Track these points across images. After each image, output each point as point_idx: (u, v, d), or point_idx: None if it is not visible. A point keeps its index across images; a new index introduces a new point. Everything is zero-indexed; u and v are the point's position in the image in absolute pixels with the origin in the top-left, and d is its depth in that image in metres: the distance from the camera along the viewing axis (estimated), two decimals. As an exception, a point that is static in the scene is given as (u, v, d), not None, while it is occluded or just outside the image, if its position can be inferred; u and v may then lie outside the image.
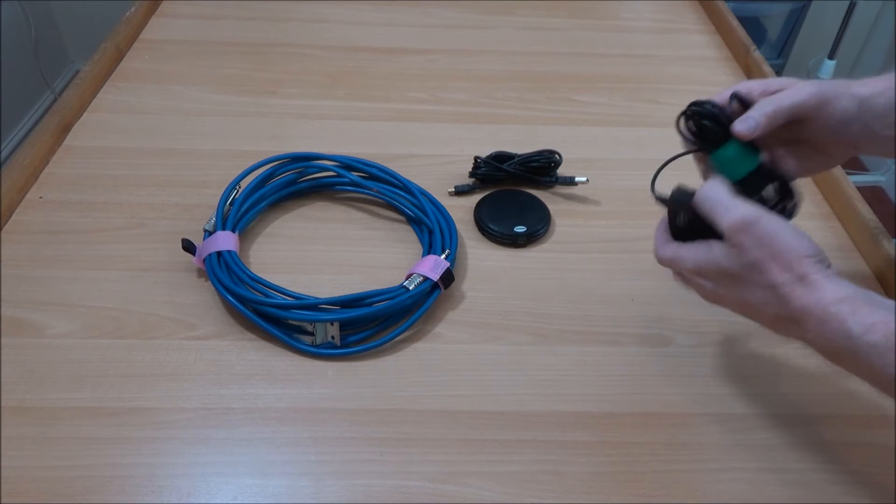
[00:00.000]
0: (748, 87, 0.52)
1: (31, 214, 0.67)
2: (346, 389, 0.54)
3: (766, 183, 0.51)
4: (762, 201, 0.50)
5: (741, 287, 0.45)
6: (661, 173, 0.53)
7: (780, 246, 0.43)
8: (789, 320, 0.44)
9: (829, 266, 0.43)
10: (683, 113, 0.51)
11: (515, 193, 0.71)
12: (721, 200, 0.45)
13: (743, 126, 0.49)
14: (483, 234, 0.67)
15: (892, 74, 0.52)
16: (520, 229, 0.66)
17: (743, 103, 0.51)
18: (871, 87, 0.51)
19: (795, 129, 0.51)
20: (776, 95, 0.50)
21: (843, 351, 0.41)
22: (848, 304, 0.41)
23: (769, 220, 0.43)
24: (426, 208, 0.65)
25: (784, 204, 0.51)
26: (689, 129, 0.51)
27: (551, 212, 0.69)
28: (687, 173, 0.54)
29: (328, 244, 0.66)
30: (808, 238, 0.44)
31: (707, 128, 0.50)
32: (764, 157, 0.51)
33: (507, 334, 0.58)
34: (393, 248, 0.66)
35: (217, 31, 0.98)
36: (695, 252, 0.47)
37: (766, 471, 0.50)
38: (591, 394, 0.54)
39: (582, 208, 0.71)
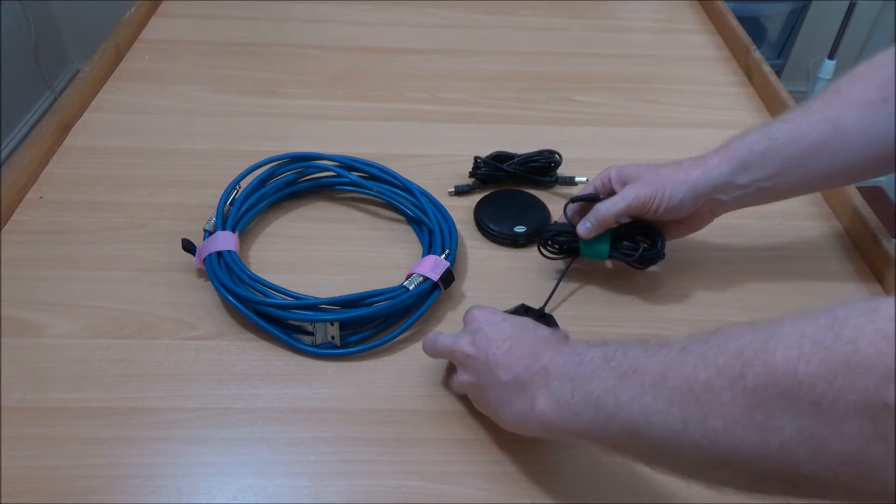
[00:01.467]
0: (595, 186, 0.62)
1: (31, 214, 0.67)
2: (346, 389, 0.54)
3: (627, 239, 0.60)
4: (633, 251, 0.60)
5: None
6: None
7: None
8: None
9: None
10: (541, 242, 0.63)
11: (515, 193, 0.71)
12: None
13: (581, 230, 0.59)
14: (483, 234, 0.67)
15: (727, 145, 0.58)
16: (520, 229, 0.66)
17: (593, 198, 0.61)
18: (703, 167, 0.57)
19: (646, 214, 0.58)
20: (605, 204, 0.58)
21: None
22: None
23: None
24: (426, 208, 0.65)
25: (651, 246, 0.60)
26: (551, 249, 0.63)
27: (551, 212, 0.69)
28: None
29: (328, 244, 0.66)
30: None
31: (562, 241, 0.62)
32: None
33: (507, 334, 0.58)
34: (393, 248, 0.66)
35: (217, 31, 0.98)
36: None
37: (766, 471, 0.49)
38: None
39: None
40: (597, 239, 0.60)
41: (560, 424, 0.41)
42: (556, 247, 0.63)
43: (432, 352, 0.53)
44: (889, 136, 0.52)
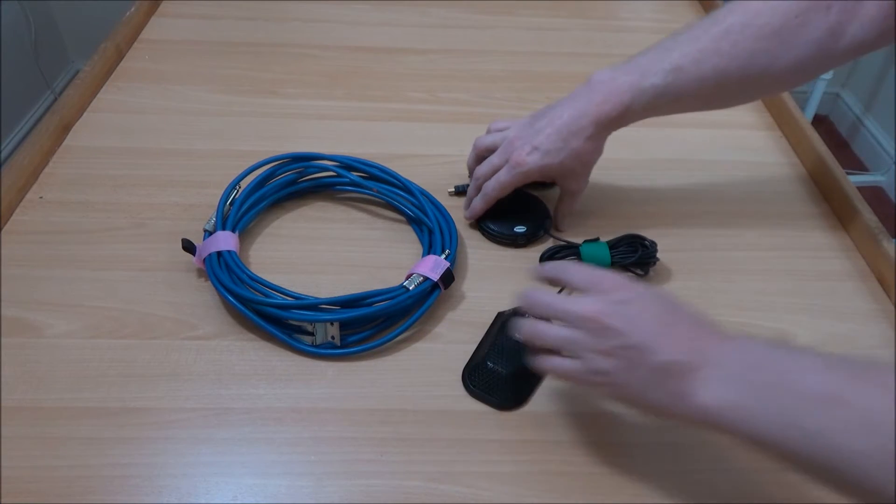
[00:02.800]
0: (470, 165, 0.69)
1: (31, 214, 0.67)
2: (346, 389, 0.54)
3: (623, 246, 0.63)
4: (631, 254, 0.62)
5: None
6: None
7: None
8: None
9: None
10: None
11: (515, 193, 0.71)
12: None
13: (466, 215, 0.68)
14: (483, 235, 0.67)
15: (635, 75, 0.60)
16: (520, 229, 0.66)
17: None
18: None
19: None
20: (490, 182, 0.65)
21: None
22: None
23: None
24: (426, 208, 0.65)
25: (644, 253, 0.62)
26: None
27: (551, 212, 0.69)
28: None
29: (328, 244, 0.66)
30: None
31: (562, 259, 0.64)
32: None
33: (507, 334, 0.58)
34: (393, 248, 0.66)
35: (217, 31, 0.98)
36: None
37: (766, 471, 0.49)
38: (591, 394, 0.54)
39: (582, 208, 0.71)
40: (596, 251, 0.62)
41: (719, 420, 0.39)
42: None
43: (543, 309, 0.47)
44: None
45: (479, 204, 0.66)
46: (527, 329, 0.47)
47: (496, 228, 0.66)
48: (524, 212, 0.68)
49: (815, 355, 0.39)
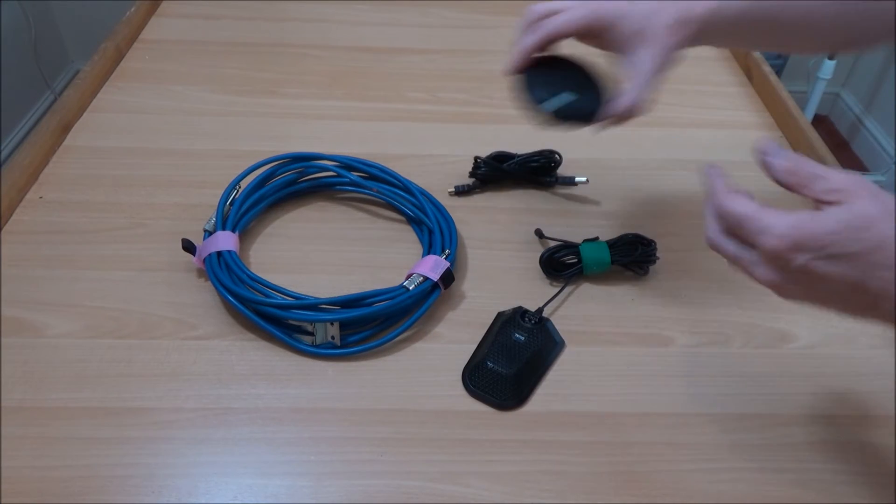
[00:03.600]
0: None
1: (31, 214, 0.67)
2: (346, 389, 0.54)
3: (622, 245, 0.62)
4: (631, 252, 0.61)
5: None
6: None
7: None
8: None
9: None
10: (544, 263, 0.61)
11: (570, 65, 0.58)
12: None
13: (506, 68, 0.54)
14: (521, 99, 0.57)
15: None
16: (567, 97, 0.53)
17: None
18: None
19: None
20: (542, 24, 0.54)
21: None
22: None
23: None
24: (426, 208, 0.65)
25: (644, 251, 0.62)
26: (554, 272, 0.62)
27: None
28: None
29: (328, 244, 0.66)
30: None
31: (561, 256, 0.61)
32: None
33: (507, 334, 0.58)
34: (393, 248, 0.66)
35: (217, 31, 0.98)
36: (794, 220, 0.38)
37: (766, 471, 0.50)
38: (591, 394, 0.54)
39: (582, 208, 0.71)
40: (596, 251, 0.61)
41: None
42: (559, 266, 0.63)
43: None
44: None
45: (529, 39, 0.54)
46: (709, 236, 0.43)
47: (538, 93, 0.54)
48: (577, 82, 0.56)
49: None
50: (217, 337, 0.57)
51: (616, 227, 0.68)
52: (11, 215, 0.67)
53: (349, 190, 0.71)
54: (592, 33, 0.54)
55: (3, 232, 0.65)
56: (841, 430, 0.53)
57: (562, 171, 0.73)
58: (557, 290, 0.61)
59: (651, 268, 0.64)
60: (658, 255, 0.63)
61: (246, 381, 0.54)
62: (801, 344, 0.59)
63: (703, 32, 0.52)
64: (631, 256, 0.62)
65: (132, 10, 0.97)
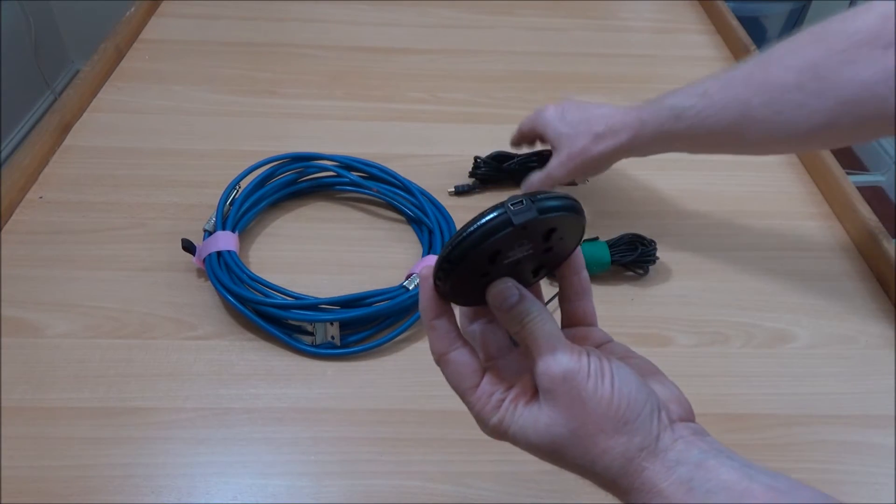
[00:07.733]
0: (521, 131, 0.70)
1: (31, 214, 0.67)
2: (346, 389, 0.54)
3: (625, 246, 0.63)
4: (631, 252, 0.63)
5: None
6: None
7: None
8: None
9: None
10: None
11: None
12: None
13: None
14: None
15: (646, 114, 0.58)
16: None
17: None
18: (620, 137, 0.60)
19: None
20: (535, 175, 0.66)
21: None
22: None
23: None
24: (426, 208, 0.65)
25: (644, 251, 0.62)
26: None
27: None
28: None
29: (328, 244, 0.66)
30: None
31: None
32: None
33: (507, 334, 0.58)
34: (393, 248, 0.66)
35: (217, 31, 0.98)
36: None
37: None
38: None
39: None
40: (596, 250, 0.62)
41: None
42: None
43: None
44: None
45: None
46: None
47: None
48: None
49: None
50: (217, 337, 0.57)
51: (616, 226, 0.68)
52: (11, 215, 0.67)
53: (349, 190, 0.71)
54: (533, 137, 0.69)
55: (3, 232, 0.65)
56: (841, 430, 0.53)
57: (562, 171, 0.73)
58: (557, 289, 0.61)
59: (651, 268, 0.64)
60: (658, 255, 0.63)
61: (246, 381, 0.54)
62: (801, 344, 0.59)
63: (634, 147, 0.60)
64: (631, 256, 0.62)
65: (132, 10, 0.97)
